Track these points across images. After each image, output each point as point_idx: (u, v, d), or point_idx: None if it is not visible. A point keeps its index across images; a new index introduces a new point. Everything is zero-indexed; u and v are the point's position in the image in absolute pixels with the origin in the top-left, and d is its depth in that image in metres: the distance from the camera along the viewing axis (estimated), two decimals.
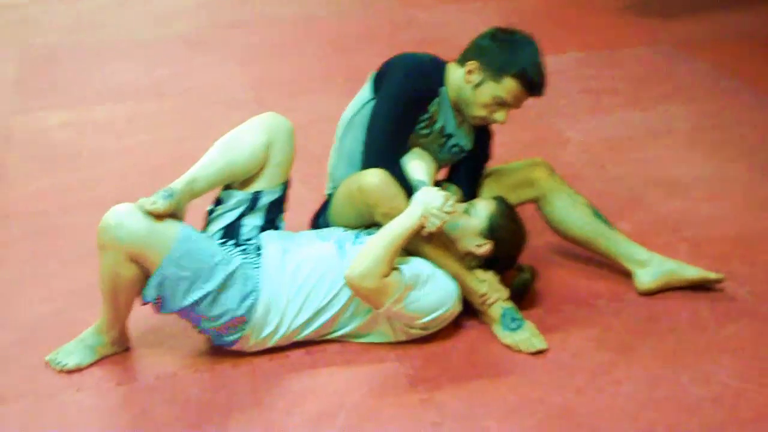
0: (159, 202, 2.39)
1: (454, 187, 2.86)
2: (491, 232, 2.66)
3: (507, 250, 2.70)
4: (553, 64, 4.98)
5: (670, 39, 5.30)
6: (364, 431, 2.31)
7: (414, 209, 2.51)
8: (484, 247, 2.66)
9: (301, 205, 3.05)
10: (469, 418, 2.34)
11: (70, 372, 2.54)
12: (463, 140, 2.86)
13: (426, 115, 2.73)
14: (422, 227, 2.50)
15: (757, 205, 3.38)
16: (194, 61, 5.20)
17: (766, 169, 3.67)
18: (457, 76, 2.73)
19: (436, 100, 2.73)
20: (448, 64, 2.78)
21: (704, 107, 4.32)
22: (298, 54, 5.25)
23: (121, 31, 5.80)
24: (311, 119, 4.13)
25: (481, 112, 2.70)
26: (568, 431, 2.29)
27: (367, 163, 2.67)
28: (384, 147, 2.68)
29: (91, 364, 2.56)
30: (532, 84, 2.66)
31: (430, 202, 2.50)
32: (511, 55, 2.64)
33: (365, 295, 2.46)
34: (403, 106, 2.68)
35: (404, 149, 2.73)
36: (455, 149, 2.87)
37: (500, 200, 2.73)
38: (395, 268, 2.48)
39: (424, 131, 2.76)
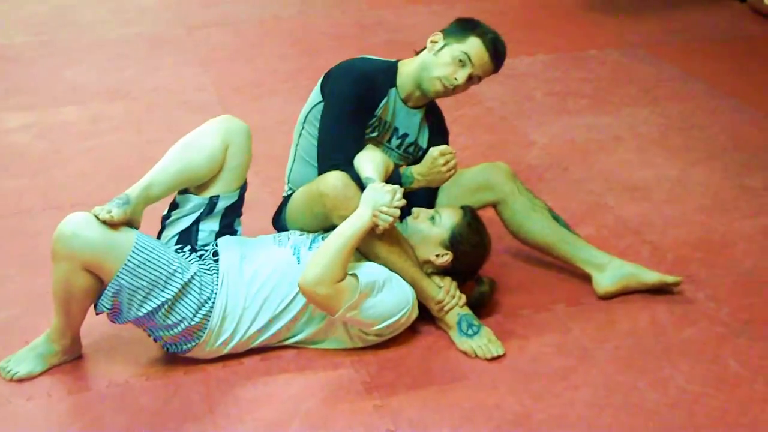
0: (114, 211, 2.35)
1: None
2: (452, 243, 2.63)
3: (467, 262, 2.67)
4: (520, 66, 5.07)
5: (637, 40, 5.30)
6: None
7: (362, 210, 2.48)
8: (444, 258, 2.63)
9: (263, 208, 3.02)
10: (424, 425, 2.31)
11: (21, 380, 2.49)
12: (419, 138, 2.88)
13: (373, 119, 2.75)
14: (375, 226, 2.48)
15: (718, 208, 3.39)
16: (158, 61, 5.15)
17: (730, 171, 3.68)
18: (412, 66, 2.77)
19: (384, 101, 2.75)
20: (400, 62, 2.80)
21: (670, 109, 4.33)
22: (263, 55, 5.21)
23: (86, 30, 5.74)
24: (276, 121, 4.11)
25: (442, 71, 2.69)
26: None
27: (322, 160, 2.69)
28: (335, 146, 2.67)
29: (43, 373, 2.52)
30: (495, 46, 2.69)
31: (378, 199, 2.47)
32: (473, 23, 2.74)
33: (319, 302, 2.43)
34: (349, 111, 2.69)
35: (356, 146, 2.71)
36: (411, 148, 2.87)
37: (467, 211, 2.69)
38: (351, 275, 2.45)
39: (373, 133, 2.77)
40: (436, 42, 2.74)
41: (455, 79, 2.69)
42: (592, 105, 4.40)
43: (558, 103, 4.43)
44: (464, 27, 2.73)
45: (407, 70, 2.78)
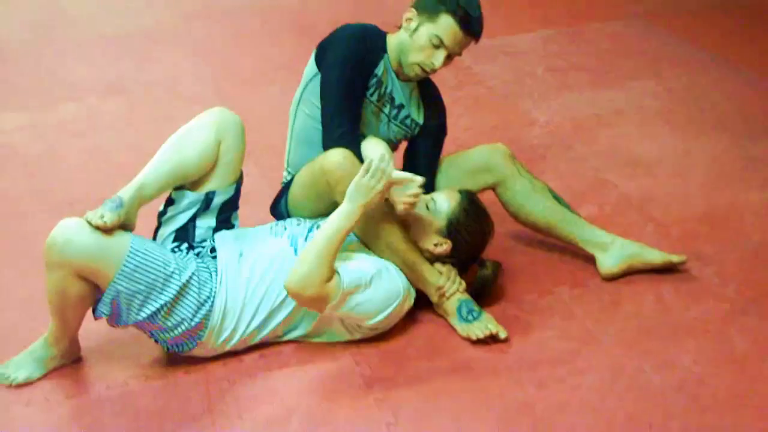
0: (107, 216, 2.31)
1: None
2: (450, 232, 2.58)
3: (467, 250, 2.62)
4: (520, 43, 4.99)
5: (640, 11, 5.21)
6: None
7: (348, 206, 2.42)
8: (442, 247, 2.58)
9: (262, 200, 2.97)
10: (425, 417, 2.28)
11: (20, 386, 2.47)
12: (414, 112, 2.83)
13: (373, 79, 2.71)
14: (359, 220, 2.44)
15: (723, 181, 3.33)
16: (155, 54, 5.10)
17: (735, 141, 3.61)
18: (395, 42, 2.72)
19: (381, 62, 2.71)
20: (388, 34, 2.76)
21: (674, 82, 4.25)
22: (260, 44, 5.15)
23: (81, 26, 5.69)
24: (273, 110, 4.04)
25: (418, 57, 2.65)
26: (527, 427, 2.23)
27: (327, 129, 2.64)
28: (339, 111, 2.63)
29: (41, 377, 2.49)
30: (467, 19, 2.61)
31: (363, 191, 2.40)
32: None
33: (306, 303, 2.39)
34: (350, 69, 2.65)
35: (359, 112, 2.69)
36: (408, 120, 2.83)
37: (464, 195, 2.63)
38: (337, 273, 2.40)
39: (374, 96, 2.73)
40: (411, 20, 2.67)
41: (432, 63, 2.64)
42: (593, 80, 4.33)
43: (559, 79, 4.36)
44: (435, 1, 2.62)
45: (392, 44, 2.74)
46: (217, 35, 5.37)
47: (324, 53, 2.71)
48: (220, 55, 5.04)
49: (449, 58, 2.65)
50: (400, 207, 2.51)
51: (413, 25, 2.66)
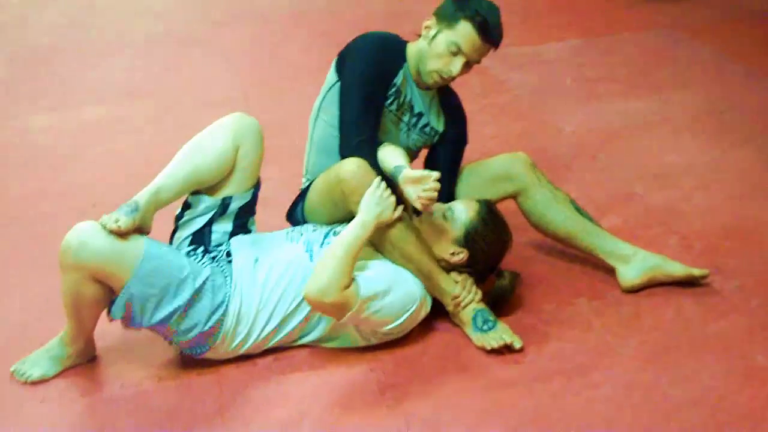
0: (122, 220, 2.31)
1: None
2: (467, 241, 2.56)
3: (484, 260, 2.60)
4: (549, 52, 4.96)
5: (671, 22, 5.17)
6: None
7: (363, 217, 2.42)
8: (458, 256, 2.56)
9: (285, 205, 2.96)
10: (436, 425, 2.26)
11: (35, 383, 2.48)
12: (434, 120, 2.83)
13: (393, 89, 2.70)
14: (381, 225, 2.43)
15: (749, 194, 3.27)
16: (183, 59, 5.14)
17: (765, 155, 3.55)
18: (414, 50, 2.72)
19: (401, 72, 2.71)
20: (408, 43, 2.76)
21: (704, 93, 4.20)
22: (290, 49, 5.17)
23: (112, 30, 5.75)
24: (300, 115, 4.02)
25: (436, 64, 2.64)
26: None
27: (344, 138, 2.65)
28: (357, 121, 2.63)
29: (56, 375, 2.51)
30: (486, 26, 2.59)
31: (377, 201, 2.42)
32: (464, 1, 2.63)
33: (325, 310, 2.39)
34: (369, 79, 2.65)
35: (377, 121, 2.68)
36: (427, 128, 2.82)
37: (483, 205, 2.61)
38: (355, 281, 2.39)
39: (393, 106, 2.72)
40: (430, 28, 2.67)
41: (450, 70, 2.63)
42: (623, 90, 4.29)
43: (588, 89, 4.33)
44: (455, 8, 2.62)
45: (411, 53, 2.74)
46: (246, 41, 5.40)
47: (343, 62, 2.71)
48: (248, 60, 5.07)
49: (467, 65, 2.64)
50: (417, 204, 2.49)
51: (432, 32, 2.65)
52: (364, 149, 2.58)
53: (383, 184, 2.45)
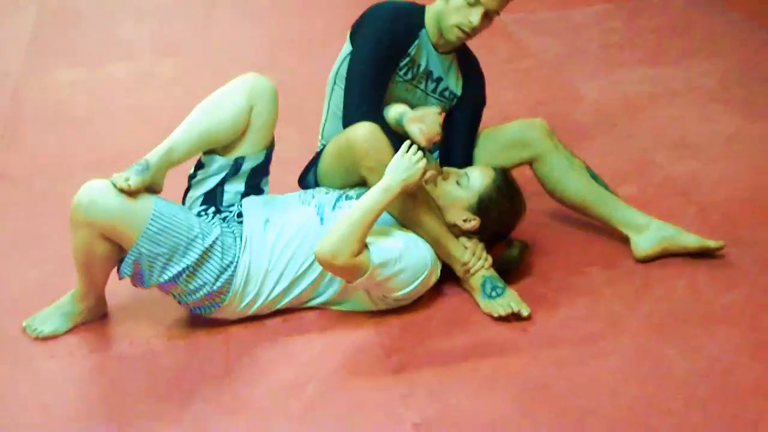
0: (132, 179, 2.32)
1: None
2: (480, 208, 2.54)
3: (495, 228, 2.58)
4: (576, 16, 4.88)
5: None
6: (331, 403, 2.25)
7: (388, 181, 2.37)
8: (471, 223, 2.54)
9: (299, 165, 2.94)
10: (440, 391, 2.26)
11: (46, 339, 2.51)
12: (453, 84, 2.80)
13: (406, 59, 2.68)
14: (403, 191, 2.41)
15: None
16: (212, 18, 5.12)
17: None
18: (432, 11, 2.69)
19: (416, 42, 2.68)
20: (427, 7, 2.72)
21: (732, 61, 4.11)
22: (315, 11, 5.13)
23: None
24: (324, 76, 4.02)
25: (455, 18, 2.61)
26: (542, 407, 2.19)
27: (348, 107, 2.64)
28: (363, 92, 2.62)
29: (67, 331, 2.53)
30: None
31: (407, 165, 2.38)
32: None
33: (335, 272, 2.38)
34: (380, 50, 2.63)
35: (383, 92, 2.66)
36: (446, 93, 2.80)
37: (499, 173, 2.58)
38: (367, 248, 2.37)
39: (407, 76, 2.71)
40: None
41: (470, 22, 2.59)
42: (649, 57, 4.21)
43: (612, 55, 4.26)
44: None
45: (430, 14, 2.70)
46: (277, 2, 5.36)
47: (356, 32, 2.70)
48: (276, 20, 5.05)
49: (486, 16, 2.60)
50: (421, 140, 2.45)
51: None
52: (368, 119, 2.54)
53: (414, 147, 2.41)
